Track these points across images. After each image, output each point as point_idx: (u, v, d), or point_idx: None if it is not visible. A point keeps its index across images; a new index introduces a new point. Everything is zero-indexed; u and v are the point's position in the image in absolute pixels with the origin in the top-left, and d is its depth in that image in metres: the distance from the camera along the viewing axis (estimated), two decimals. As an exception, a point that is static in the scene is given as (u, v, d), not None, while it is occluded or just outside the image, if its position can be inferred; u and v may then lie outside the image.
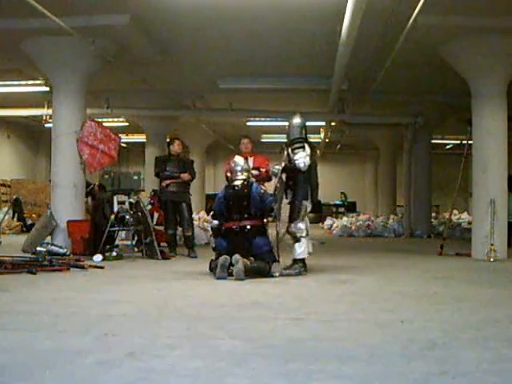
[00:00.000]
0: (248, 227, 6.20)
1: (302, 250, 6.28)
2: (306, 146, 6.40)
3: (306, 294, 5.13)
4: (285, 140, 6.71)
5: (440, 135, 16.95)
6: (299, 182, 6.33)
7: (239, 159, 6.75)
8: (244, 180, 6.46)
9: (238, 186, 6.41)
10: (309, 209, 6.47)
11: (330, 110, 13.06)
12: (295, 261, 6.32)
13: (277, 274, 6.06)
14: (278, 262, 6.19)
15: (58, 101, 8.94)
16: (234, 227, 6.23)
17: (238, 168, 6.55)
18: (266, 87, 11.68)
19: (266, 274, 6.02)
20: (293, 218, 6.32)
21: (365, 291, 5.24)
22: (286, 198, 6.44)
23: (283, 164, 6.39)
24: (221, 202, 6.43)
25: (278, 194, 6.33)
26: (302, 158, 6.24)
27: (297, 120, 6.74)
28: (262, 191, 6.39)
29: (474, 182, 8.61)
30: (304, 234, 6.29)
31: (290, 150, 6.40)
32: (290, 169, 6.34)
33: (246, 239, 6.16)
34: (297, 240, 6.27)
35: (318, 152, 6.57)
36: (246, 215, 6.24)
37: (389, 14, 7.48)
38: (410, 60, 9.35)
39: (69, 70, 8.77)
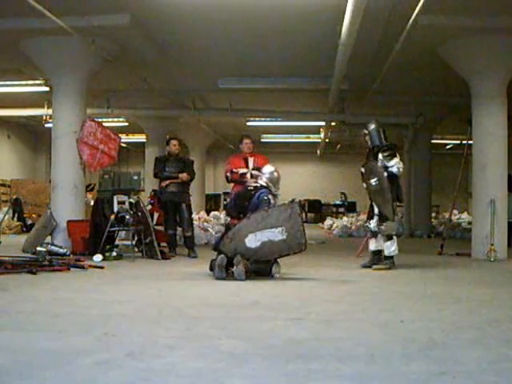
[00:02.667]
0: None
1: (394, 247, 6.86)
2: (397, 152, 7.00)
3: (305, 294, 5.13)
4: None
5: (440, 135, 16.93)
6: (393, 185, 6.85)
7: (275, 169, 6.80)
8: (261, 186, 6.52)
9: (251, 187, 6.55)
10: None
11: (330, 110, 13.05)
12: (386, 258, 6.90)
13: (277, 276, 6.04)
14: (278, 262, 6.16)
15: (57, 101, 8.94)
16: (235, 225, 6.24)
17: (266, 175, 6.67)
18: (266, 87, 11.67)
19: (266, 274, 6.00)
20: (385, 217, 6.84)
21: (365, 291, 5.24)
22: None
23: (363, 169, 7.06)
24: (232, 198, 6.71)
25: (386, 195, 6.74)
26: (397, 164, 6.80)
27: (372, 126, 7.06)
28: (265, 198, 6.34)
29: (474, 182, 8.61)
30: (395, 232, 6.95)
31: (381, 155, 6.85)
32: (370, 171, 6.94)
33: None
34: (389, 238, 6.83)
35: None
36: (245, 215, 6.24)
37: (389, 14, 7.48)
38: (410, 60, 9.34)
39: (69, 70, 8.77)
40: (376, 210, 6.96)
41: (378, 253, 7.05)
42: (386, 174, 6.75)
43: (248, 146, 8.30)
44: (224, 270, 5.89)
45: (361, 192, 26.44)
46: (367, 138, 7.10)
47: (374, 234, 7.03)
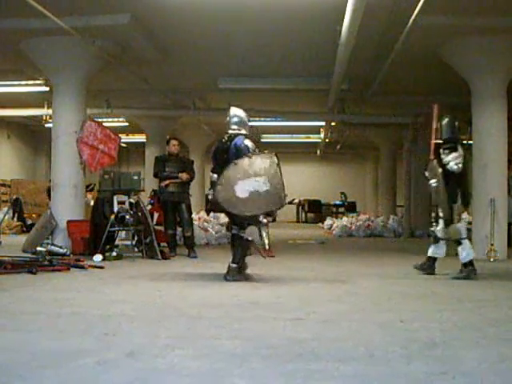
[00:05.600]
0: None
1: (465, 252, 6.08)
2: (459, 146, 6.18)
3: (305, 293, 5.13)
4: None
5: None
6: (451, 184, 6.12)
7: (237, 110, 6.25)
8: (233, 134, 6.01)
9: (224, 138, 6.06)
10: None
11: (330, 110, 13.05)
12: (464, 265, 6.13)
13: (250, 238, 5.72)
14: (257, 225, 5.71)
15: (57, 101, 8.94)
16: None
17: (233, 120, 6.13)
18: (266, 87, 11.68)
19: (247, 252, 5.89)
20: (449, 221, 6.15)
21: (365, 291, 5.24)
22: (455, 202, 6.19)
23: (426, 173, 6.34)
24: (212, 157, 6.18)
25: (441, 195, 6.18)
26: (454, 160, 6.07)
27: (445, 120, 6.35)
28: (242, 145, 5.84)
29: (474, 181, 8.61)
30: (464, 236, 6.12)
31: (441, 150, 6.20)
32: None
33: None
34: (458, 243, 6.10)
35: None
36: None
37: (389, 13, 7.48)
38: (410, 60, 9.34)
39: (69, 70, 8.77)
40: (441, 214, 6.26)
41: (432, 259, 6.39)
42: (440, 170, 6.12)
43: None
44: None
45: (361, 192, 26.38)
46: (440, 131, 6.35)
47: (436, 240, 6.31)
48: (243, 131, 6.06)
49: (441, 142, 6.29)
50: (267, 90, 12.19)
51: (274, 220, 6.31)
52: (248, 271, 6.00)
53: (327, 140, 18.80)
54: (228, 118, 6.16)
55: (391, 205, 18.49)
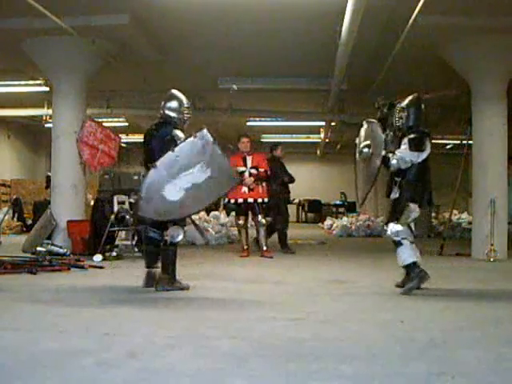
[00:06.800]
0: None
1: (405, 255, 5.05)
2: (427, 140, 5.22)
3: (305, 293, 5.13)
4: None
5: (440, 135, 16.94)
6: (409, 179, 5.15)
7: (178, 93, 5.39)
8: (160, 123, 5.23)
9: (152, 125, 5.29)
10: (416, 214, 5.11)
11: (330, 110, 13.05)
12: (406, 271, 5.16)
13: (176, 240, 5.06)
14: (181, 225, 5.12)
15: (57, 101, 8.94)
16: None
17: (169, 104, 5.26)
18: (266, 87, 11.68)
19: (174, 262, 5.11)
20: (392, 219, 5.21)
21: (365, 291, 5.24)
22: (388, 196, 5.33)
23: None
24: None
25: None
26: (399, 153, 5.08)
27: (403, 102, 5.34)
28: (168, 137, 5.06)
29: (474, 182, 8.61)
30: (405, 236, 5.07)
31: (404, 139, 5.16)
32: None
33: None
34: (397, 244, 5.12)
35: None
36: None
37: (389, 13, 7.48)
38: (410, 60, 9.33)
39: (69, 70, 8.77)
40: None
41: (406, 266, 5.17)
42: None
43: (245, 145, 8.30)
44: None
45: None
46: (400, 116, 5.27)
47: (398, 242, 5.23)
48: (174, 119, 5.28)
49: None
50: (267, 90, 12.19)
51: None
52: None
53: (327, 140, 18.78)
54: (163, 101, 5.32)
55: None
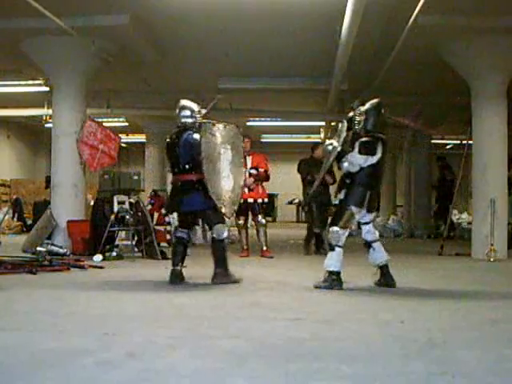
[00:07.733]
0: (179, 183, 5.50)
1: (331, 261, 5.22)
2: (379, 145, 5.21)
3: (305, 294, 5.12)
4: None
5: (440, 135, 16.95)
6: (356, 182, 5.21)
7: (187, 102, 5.89)
8: (180, 126, 5.65)
9: (173, 133, 5.67)
10: (357, 217, 5.24)
11: (330, 110, 13.05)
12: (327, 272, 5.26)
13: (221, 237, 5.42)
14: (224, 223, 5.46)
15: (57, 101, 8.94)
16: (172, 183, 5.59)
17: (182, 113, 5.73)
18: (266, 87, 11.68)
19: (225, 257, 5.49)
20: (334, 222, 5.30)
21: (364, 291, 5.24)
22: (335, 197, 5.53)
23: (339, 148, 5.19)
24: (165, 153, 5.84)
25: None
26: (351, 158, 5.14)
27: (372, 108, 5.39)
28: (194, 138, 5.46)
29: (474, 182, 8.61)
30: (340, 243, 5.23)
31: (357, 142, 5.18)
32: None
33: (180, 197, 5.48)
34: (331, 248, 5.26)
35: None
36: (179, 169, 5.51)
37: (389, 13, 7.48)
38: (410, 60, 9.34)
39: (69, 70, 8.77)
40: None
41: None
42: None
43: (245, 145, 8.28)
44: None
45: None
46: (359, 120, 5.31)
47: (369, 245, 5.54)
48: (196, 117, 5.73)
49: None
50: (267, 90, 12.19)
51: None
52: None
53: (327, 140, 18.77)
54: (177, 111, 5.78)
55: (391, 205, 18.51)
